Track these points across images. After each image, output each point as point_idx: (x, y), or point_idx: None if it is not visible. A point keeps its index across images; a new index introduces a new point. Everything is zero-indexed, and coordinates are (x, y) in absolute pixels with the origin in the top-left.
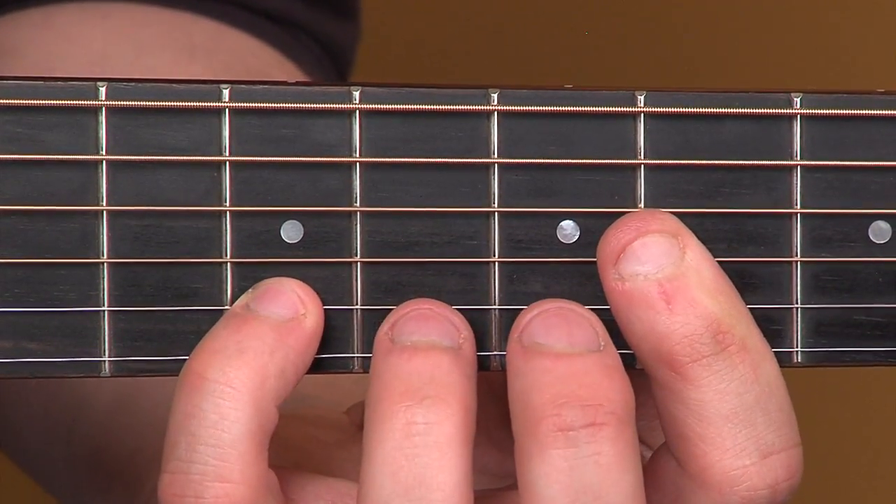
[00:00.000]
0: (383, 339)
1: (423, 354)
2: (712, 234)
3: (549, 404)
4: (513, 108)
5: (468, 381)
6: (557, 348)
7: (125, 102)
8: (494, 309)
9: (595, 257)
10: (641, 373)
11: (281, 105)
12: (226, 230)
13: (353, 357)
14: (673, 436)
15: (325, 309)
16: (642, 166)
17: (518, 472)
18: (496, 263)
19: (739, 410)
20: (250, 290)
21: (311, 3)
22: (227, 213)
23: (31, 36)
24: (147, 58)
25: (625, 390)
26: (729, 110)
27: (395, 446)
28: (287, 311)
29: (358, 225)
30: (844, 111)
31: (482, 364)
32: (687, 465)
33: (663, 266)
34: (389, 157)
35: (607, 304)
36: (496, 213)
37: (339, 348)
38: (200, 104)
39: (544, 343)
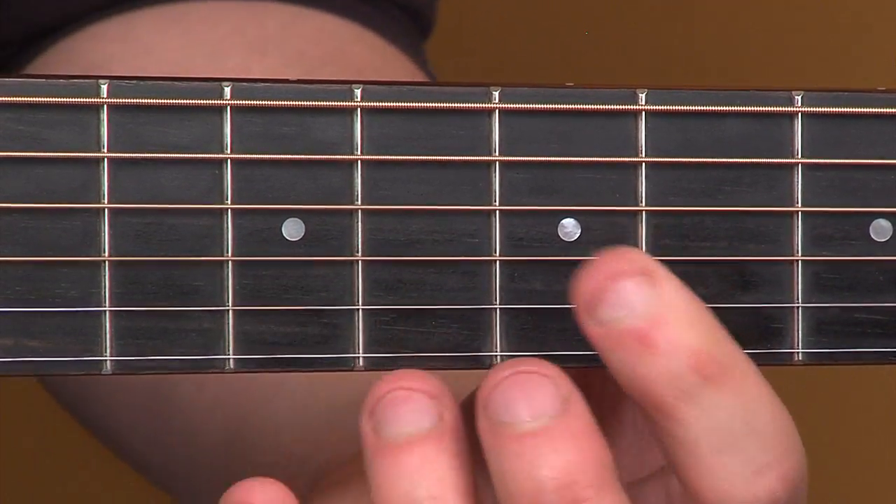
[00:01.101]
0: (369, 434)
1: (407, 451)
2: (713, 232)
3: (526, 496)
4: (514, 105)
5: (457, 460)
6: (521, 428)
7: (127, 100)
8: (495, 308)
9: (595, 255)
10: None
11: (282, 103)
12: (227, 228)
13: (355, 357)
14: (668, 458)
15: (325, 308)
16: (643, 164)
17: None
18: (497, 262)
19: (729, 440)
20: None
21: None
22: (229, 210)
23: (113, 52)
24: (219, 61)
25: (596, 455)
26: (730, 108)
27: None
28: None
29: (359, 223)
30: (845, 109)
31: (482, 364)
32: (683, 486)
33: (637, 308)
34: (390, 154)
35: None
36: (497, 211)
37: (340, 347)
38: (202, 102)
39: (509, 422)
